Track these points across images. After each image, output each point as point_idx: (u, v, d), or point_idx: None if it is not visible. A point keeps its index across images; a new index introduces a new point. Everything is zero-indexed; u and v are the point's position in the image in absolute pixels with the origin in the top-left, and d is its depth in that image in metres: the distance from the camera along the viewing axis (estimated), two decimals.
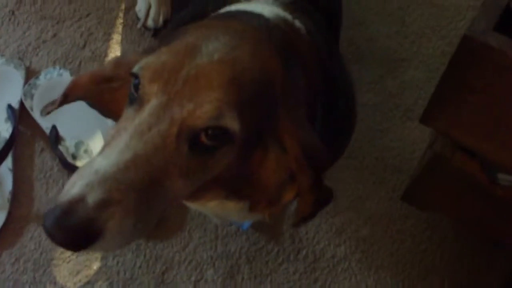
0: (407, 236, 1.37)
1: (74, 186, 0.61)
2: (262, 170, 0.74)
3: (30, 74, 1.50)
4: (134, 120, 0.66)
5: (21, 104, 1.45)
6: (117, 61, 0.79)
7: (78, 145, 1.41)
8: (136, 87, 0.69)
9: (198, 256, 1.33)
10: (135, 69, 0.69)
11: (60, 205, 0.60)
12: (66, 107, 1.41)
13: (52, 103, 0.84)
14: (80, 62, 1.52)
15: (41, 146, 1.43)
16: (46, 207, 1.37)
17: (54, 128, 1.41)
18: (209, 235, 1.35)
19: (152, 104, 0.66)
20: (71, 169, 1.36)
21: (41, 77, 1.46)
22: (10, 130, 1.40)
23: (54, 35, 1.56)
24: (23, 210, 1.37)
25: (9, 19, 1.58)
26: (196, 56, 0.68)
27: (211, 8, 0.94)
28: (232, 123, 0.66)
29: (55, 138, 1.40)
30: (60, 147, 1.40)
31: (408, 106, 1.50)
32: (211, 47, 0.69)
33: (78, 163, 1.37)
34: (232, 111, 0.66)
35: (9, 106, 1.43)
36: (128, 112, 0.69)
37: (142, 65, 0.69)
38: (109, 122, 1.33)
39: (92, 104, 0.86)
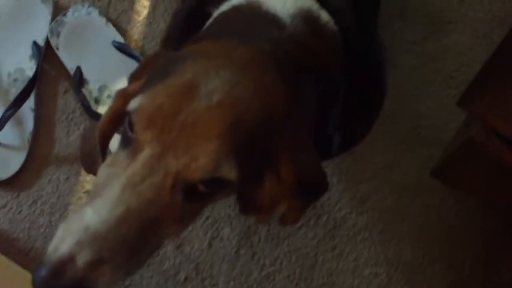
0: (433, 211, 1.31)
1: (63, 242, 0.60)
2: (256, 195, 0.71)
3: (58, 10, 1.44)
4: (127, 170, 0.63)
5: (47, 41, 1.40)
6: (123, 94, 0.74)
7: (102, 89, 1.37)
8: (131, 126, 0.65)
9: (215, 213, 1.30)
10: (130, 108, 0.65)
11: (49, 264, 0.59)
12: (92, 48, 1.39)
13: (95, 161, 0.81)
14: (110, 1, 1.46)
15: (65, 87, 1.39)
16: (66, 150, 1.35)
17: (78, 69, 1.37)
18: None
19: (145, 154, 0.63)
20: (92, 115, 1.32)
21: (69, 14, 1.41)
22: (34, 68, 1.36)
23: None
24: (43, 151, 1.35)
25: None
26: (194, 99, 0.63)
27: None
28: (230, 173, 0.63)
29: (79, 80, 1.36)
30: (84, 90, 1.36)
31: (449, 72, 1.41)
32: (210, 86, 0.63)
33: (101, 109, 1.34)
34: (230, 160, 0.62)
35: (35, 43, 1.39)
36: (120, 156, 0.66)
37: (136, 108, 0.64)
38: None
39: None
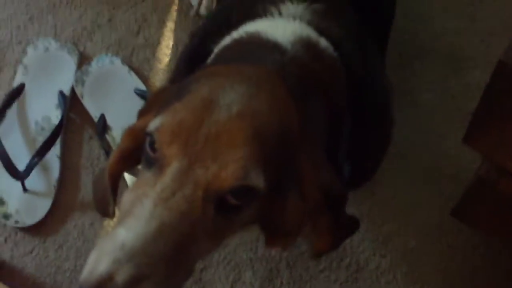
0: (459, 251, 1.29)
1: (99, 263, 0.59)
2: (280, 214, 0.71)
3: (83, 60, 1.49)
4: (155, 186, 0.63)
5: (72, 90, 1.45)
6: (131, 131, 0.76)
7: None
8: (152, 147, 0.66)
9: (237, 256, 1.30)
10: (150, 128, 0.66)
11: (88, 285, 0.58)
12: (116, 96, 1.42)
13: (108, 203, 0.82)
14: (133, 49, 1.50)
15: (89, 134, 1.43)
16: (91, 195, 1.37)
17: (102, 116, 1.40)
18: (250, 235, 1.32)
19: (173, 167, 0.63)
20: None
21: (93, 64, 1.46)
22: (60, 116, 1.40)
23: (109, 20, 1.54)
24: (69, 197, 1.38)
25: (67, 2, 1.57)
26: (214, 111, 0.64)
27: (235, 18, 0.89)
28: (258, 181, 0.63)
29: (102, 126, 1.39)
30: (107, 136, 1.39)
31: (471, 110, 1.37)
32: (228, 100, 0.65)
33: None
34: (257, 168, 0.63)
35: (61, 93, 1.43)
36: (146, 176, 0.66)
37: (158, 126, 0.65)
38: None
39: None
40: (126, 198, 0.67)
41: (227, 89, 0.66)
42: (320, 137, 0.78)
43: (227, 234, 0.69)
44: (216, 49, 0.90)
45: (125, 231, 0.60)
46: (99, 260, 0.59)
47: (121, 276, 0.58)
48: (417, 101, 1.42)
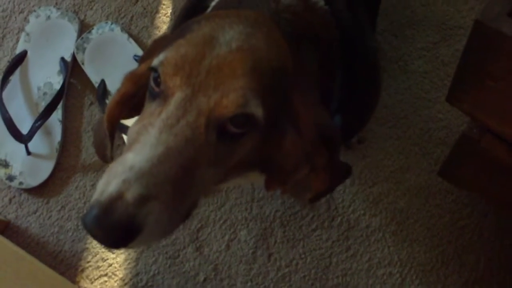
0: (446, 212, 1.34)
1: (109, 185, 0.62)
2: (279, 152, 0.75)
3: (84, 28, 1.53)
4: (161, 115, 0.67)
5: (74, 57, 1.49)
6: (131, 76, 0.80)
7: None
8: (156, 81, 0.70)
9: (233, 216, 1.36)
10: (155, 63, 0.70)
11: (99, 203, 0.61)
12: (115, 63, 1.46)
13: (106, 147, 0.85)
14: (131, 17, 1.54)
15: (90, 100, 1.48)
16: (92, 158, 1.42)
17: (102, 82, 1.45)
18: (245, 196, 1.37)
19: (177, 97, 0.67)
20: None
21: (94, 31, 1.50)
22: (61, 82, 1.45)
23: None
24: (71, 160, 1.43)
25: None
26: (215, 46, 0.68)
27: None
28: (257, 110, 0.68)
29: (102, 92, 1.44)
30: (107, 101, 1.44)
31: None
32: (227, 37, 0.69)
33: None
34: (256, 98, 0.67)
35: (62, 59, 1.47)
36: (151, 108, 0.70)
37: (162, 60, 0.69)
38: None
39: None
40: (132, 130, 0.71)
41: (226, 28, 0.70)
42: (313, 83, 0.83)
43: (228, 164, 0.73)
44: (213, 4, 0.95)
45: (133, 155, 0.64)
46: (109, 182, 0.62)
47: (131, 194, 0.61)
48: (408, 68, 1.46)
